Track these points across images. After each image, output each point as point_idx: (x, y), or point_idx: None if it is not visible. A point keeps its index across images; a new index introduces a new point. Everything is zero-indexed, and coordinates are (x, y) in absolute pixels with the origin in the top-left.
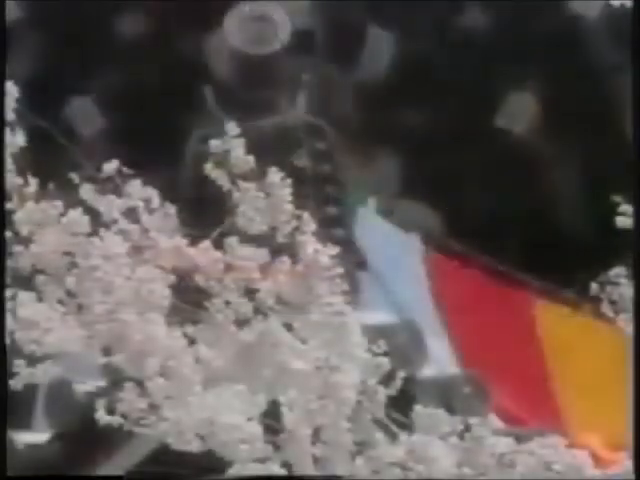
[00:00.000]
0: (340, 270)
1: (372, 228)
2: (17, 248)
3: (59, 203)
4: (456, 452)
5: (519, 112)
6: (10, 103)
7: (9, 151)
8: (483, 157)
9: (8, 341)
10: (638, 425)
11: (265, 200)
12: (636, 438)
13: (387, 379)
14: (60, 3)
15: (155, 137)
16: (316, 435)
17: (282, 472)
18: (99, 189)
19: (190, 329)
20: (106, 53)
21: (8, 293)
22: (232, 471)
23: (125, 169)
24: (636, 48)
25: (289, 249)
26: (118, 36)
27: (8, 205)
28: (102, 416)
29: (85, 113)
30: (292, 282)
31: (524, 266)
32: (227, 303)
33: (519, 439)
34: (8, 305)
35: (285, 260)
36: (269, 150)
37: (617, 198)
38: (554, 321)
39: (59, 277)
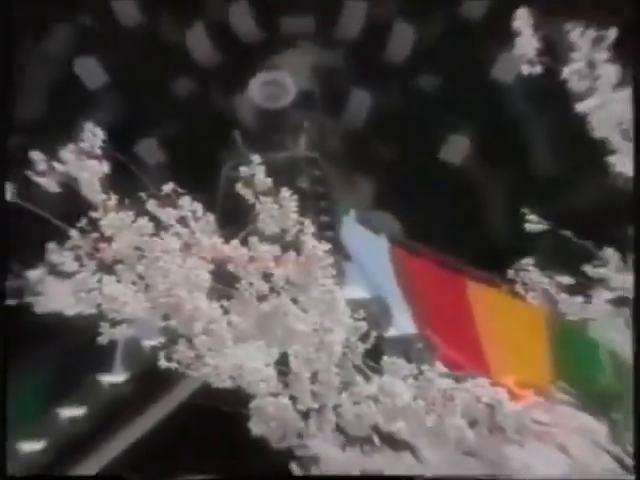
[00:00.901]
0: (331, 260)
1: (353, 231)
2: (103, 245)
3: (132, 213)
4: (412, 389)
5: (457, 149)
6: (97, 142)
7: (98, 177)
8: (432, 181)
9: (96, 311)
10: (638, 425)
11: (278, 210)
12: (636, 438)
13: (364, 337)
14: (133, 71)
15: (200, 166)
16: (314, 377)
17: (289, 403)
18: (160, 203)
19: (225, 302)
20: (165, 107)
21: (96, 277)
22: (254, 402)
23: (179, 189)
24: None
25: (295, 246)
26: (173, 95)
27: (95, 214)
28: (163, 363)
29: (151, 150)
30: (297, 269)
31: (462, 258)
32: (251, 284)
33: (457, 380)
34: (96, 285)
35: (292, 253)
36: (281, 175)
37: (526, 210)
38: (483, 297)
39: (132, 265)
